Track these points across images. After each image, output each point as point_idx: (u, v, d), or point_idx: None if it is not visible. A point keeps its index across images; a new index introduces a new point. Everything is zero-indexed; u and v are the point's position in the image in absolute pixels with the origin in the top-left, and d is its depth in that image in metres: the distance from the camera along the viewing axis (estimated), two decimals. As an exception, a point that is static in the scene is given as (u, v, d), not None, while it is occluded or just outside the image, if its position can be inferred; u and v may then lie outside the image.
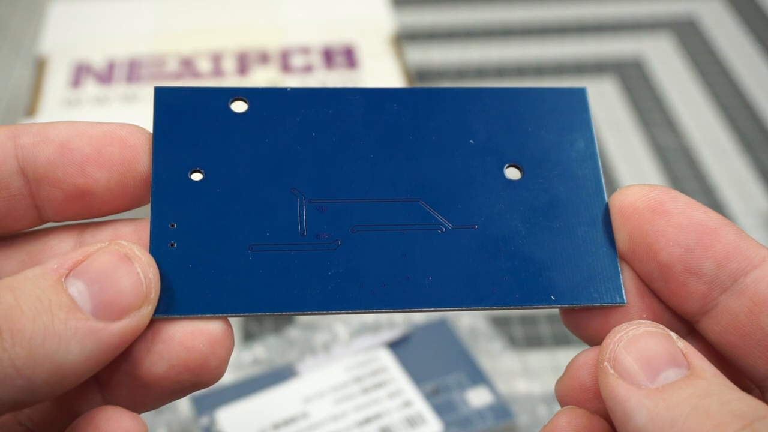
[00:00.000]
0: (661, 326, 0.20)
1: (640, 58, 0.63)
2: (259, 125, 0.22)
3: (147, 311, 0.19)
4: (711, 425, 0.17)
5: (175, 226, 0.21)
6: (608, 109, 0.59)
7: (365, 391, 0.39)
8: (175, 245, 0.21)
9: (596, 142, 0.22)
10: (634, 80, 0.61)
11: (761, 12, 0.67)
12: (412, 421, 0.38)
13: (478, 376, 0.39)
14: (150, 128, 0.22)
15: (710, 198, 0.52)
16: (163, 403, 0.21)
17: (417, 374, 0.40)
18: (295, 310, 0.20)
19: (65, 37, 0.54)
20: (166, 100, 0.22)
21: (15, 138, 0.21)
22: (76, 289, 0.19)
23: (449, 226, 0.21)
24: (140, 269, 0.19)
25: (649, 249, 0.21)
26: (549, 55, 0.63)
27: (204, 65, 0.52)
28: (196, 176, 0.21)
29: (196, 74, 0.51)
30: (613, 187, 0.52)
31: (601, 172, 0.22)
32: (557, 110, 0.23)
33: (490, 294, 0.21)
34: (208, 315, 0.20)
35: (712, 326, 0.20)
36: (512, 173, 0.22)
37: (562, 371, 0.21)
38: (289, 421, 0.37)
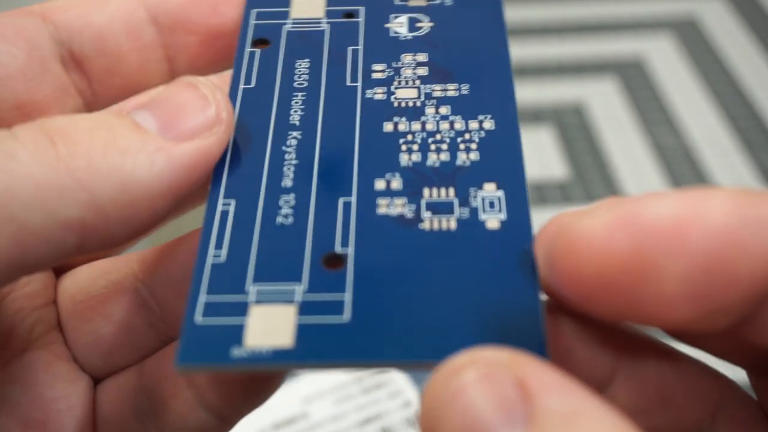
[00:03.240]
0: (501, 354, 0.14)
1: (641, 58, 0.63)
2: None
3: (220, 131, 0.18)
4: None
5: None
6: (608, 109, 0.58)
7: (365, 391, 0.39)
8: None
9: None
10: (635, 80, 0.61)
11: (762, 12, 0.67)
12: (413, 422, 0.37)
13: (478, 376, 0.39)
14: None
15: (711, 198, 0.52)
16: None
17: (417, 374, 0.39)
18: None
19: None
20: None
21: None
22: (140, 116, 0.18)
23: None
24: (206, 91, 0.18)
25: (642, 321, 0.15)
26: (549, 55, 0.63)
27: (204, 65, 0.52)
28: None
29: (195, 74, 0.51)
30: (613, 188, 0.52)
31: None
32: None
33: None
34: None
35: (751, 336, 0.16)
36: None
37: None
38: (289, 421, 0.37)
